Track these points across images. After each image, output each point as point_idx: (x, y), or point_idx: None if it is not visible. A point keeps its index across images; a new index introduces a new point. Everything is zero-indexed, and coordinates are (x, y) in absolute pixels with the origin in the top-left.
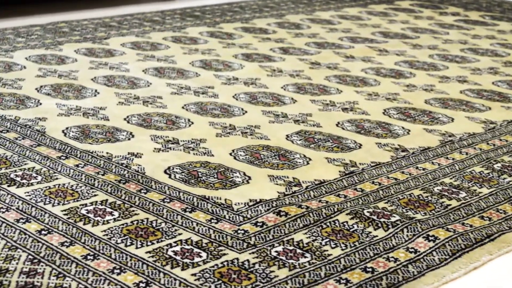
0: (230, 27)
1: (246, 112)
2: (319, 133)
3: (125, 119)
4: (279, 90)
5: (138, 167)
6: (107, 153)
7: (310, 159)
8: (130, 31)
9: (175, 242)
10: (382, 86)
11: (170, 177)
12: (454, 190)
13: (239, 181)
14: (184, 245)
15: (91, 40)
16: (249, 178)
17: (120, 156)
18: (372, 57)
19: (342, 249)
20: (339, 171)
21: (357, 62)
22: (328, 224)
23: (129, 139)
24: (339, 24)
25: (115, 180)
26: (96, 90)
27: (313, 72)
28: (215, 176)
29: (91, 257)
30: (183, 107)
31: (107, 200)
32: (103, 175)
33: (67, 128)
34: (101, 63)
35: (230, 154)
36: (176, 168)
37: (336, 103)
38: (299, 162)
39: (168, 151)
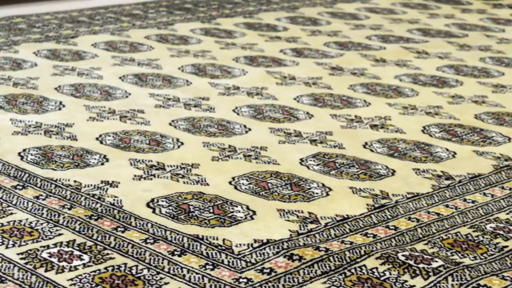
0: (229, 22)
1: (249, 130)
2: (342, 156)
3: (97, 138)
4: (291, 102)
5: (114, 199)
6: (75, 181)
7: (330, 189)
8: (103, 28)
9: None
10: (421, 97)
11: (154, 211)
12: (511, 228)
13: (241, 217)
14: None
15: (54, 39)
16: (254, 213)
17: (92, 185)
18: (409, 60)
19: None
20: (367, 204)
21: (390, 67)
22: (353, 271)
23: (102, 163)
24: (366, 19)
25: (85, 215)
26: (61, 102)
27: (334, 79)
28: (211, 211)
29: None
30: (170, 124)
31: (74, 240)
32: (69, 209)
33: (24, 150)
34: (67, 68)
35: (230, 182)
36: (162, 201)
37: (363, 118)
38: (317, 193)
39: (151, 179)
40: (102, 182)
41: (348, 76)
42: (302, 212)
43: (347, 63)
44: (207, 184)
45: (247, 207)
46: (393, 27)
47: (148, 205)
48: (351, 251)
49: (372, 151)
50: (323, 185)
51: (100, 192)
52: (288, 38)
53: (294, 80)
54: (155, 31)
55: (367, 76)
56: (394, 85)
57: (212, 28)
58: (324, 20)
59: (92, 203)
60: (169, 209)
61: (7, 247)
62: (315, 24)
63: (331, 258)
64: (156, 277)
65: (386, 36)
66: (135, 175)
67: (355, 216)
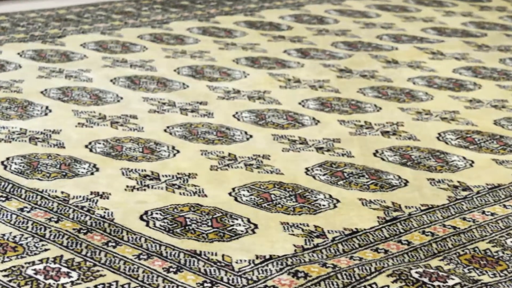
0: (229, 21)
1: (251, 136)
2: (351, 165)
3: (86, 146)
4: (296, 107)
5: (105, 212)
6: (62, 192)
7: (338, 201)
8: (93, 26)
9: None
10: (436, 101)
11: (147, 225)
12: None
13: (242, 231)
14: None
15: (40, 39)
16: (255, 226)
17: (80, 197)
18: (423, 62)
19: None
20: (378, 217)
21: (402, 69)
22: None
23: (92, 173)
24: (377, 17)
25: (73, 229)
26: (47, 107)
27: (342, 82)
28: (209, 224)
29: None
30: (165, 130)
31: (62, 256)
32: (56, 222)
33: (7, 159)
34: (54, 70)
35: (230, 194)
36: (156, 213)
37: (374, 124)
38: (323, 205)
39: (145, 189)
40: (91, 193)
41: (357, 79)
42: (308, 225)
43: (356, 65)
44: (205, 196)
45: (248, 220)
46: (405, 26)
47: (141, 218)
48: (360, 267)
49: (383, 159)
50: (330, 196)
51: (89, 204)
52: (292, 37)
53: (299, 83)
54: (149, 30)
55: (377, 78)
56: (407, 89)
57: (211, 27)
58: (331, 18)
59: (81, 215)
60: (164, 222)
61: None
62: (322, 22)
63: (339, 275)
64: None
65: (398, 35)
66: (127, 186)
67: (364, 230)
